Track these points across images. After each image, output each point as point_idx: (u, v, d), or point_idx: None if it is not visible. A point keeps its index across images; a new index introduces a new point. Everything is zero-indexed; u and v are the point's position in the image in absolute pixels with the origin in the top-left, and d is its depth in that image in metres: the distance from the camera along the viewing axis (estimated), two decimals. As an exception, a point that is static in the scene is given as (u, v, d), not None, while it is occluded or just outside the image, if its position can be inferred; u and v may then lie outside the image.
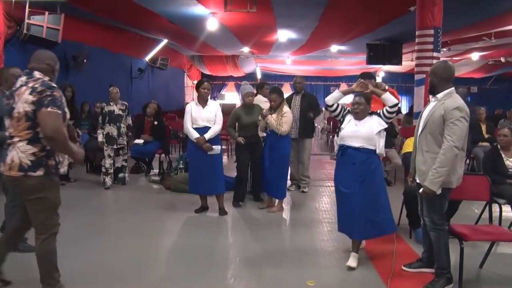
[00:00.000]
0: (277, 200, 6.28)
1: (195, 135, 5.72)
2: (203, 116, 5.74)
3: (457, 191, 3.96)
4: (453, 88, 3.71)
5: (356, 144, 4.21)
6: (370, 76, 5.52)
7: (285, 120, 5.89)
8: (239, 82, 23.54)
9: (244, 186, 6.57)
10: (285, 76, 22.08)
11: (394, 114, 4.34)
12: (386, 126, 4.26)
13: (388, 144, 6.85)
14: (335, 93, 4.49)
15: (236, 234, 5.33)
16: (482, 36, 11.71)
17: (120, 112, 7.45)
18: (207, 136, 5.71)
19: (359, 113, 4.28)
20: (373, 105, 4.57)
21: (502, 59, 16.28)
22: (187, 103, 6.37)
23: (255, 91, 6.54)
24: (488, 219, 4.33)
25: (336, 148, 4.49)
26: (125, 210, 6.34)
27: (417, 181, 3.84)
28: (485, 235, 3.88)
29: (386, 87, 5.26)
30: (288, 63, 18.96)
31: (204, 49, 16.14)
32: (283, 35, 12.50)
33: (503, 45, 13.27)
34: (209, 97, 5.85)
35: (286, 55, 17.42)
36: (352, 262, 4.24)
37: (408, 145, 5.51)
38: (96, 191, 7.24)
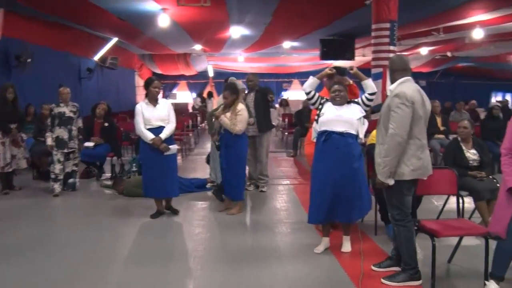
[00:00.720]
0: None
1: (149, 136, 5.45)
2: (156, 116, 5.51)
3: (424, 185, 3.93)
4: (407, 77, 3.65)
5: (340, 128, 4.24)
6: (343, 70, 5.37)
7: (239, 118, 5.68)
8: (191, 81, 23.19)
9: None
10: (237, 74, 21.86)
11: (373, 102, 4.40)
12: (365, 113, 4.35)
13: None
14: (310, 80, 4.58)
15: (195, 239, 5.02)
16: (432, 31, 11.90)
17: (71, 114, 6.97)
18: (163, 136, 5.48)
19: (340, 99, 4.35)
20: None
21: (449, 54, 16.75)
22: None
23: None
24: (457, 213, 4.25)
25: (314, 135, 4.45)
26: (74, 218, 5.89)
27: None
28: (455, 230, 3.81)
29: (351, 82, 5.16)
30: (240, 61, 18.80)
31: (155, 48, 15.70)
32: (236, 31, 12.28)
33: (450, 40, 13.59)
34: (159, 95, 5.65)
35: (238, 53, 17.23)
36: (319, 247, 4.48)
37: (374, 137, 5.39)
38: (43, 199, 6.72)
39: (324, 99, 4.50)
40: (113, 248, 4.76)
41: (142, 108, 5.50)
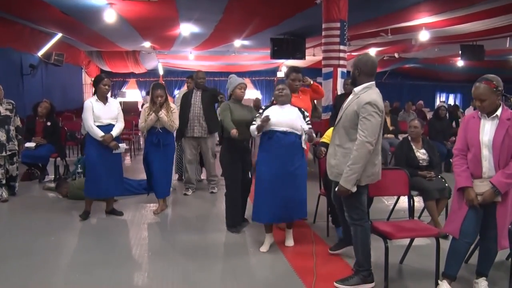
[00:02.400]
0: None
1: (100, 133, 5.32)
2: (107, 113, 5.43)
3: (377, 187, 3.93)
4: (372, 82, 3.59)
5: (283, 128, 4.35)
6: (299, 69, 5.27)
7: (175, 116, 5.84)
8: (140, 79, 22.67)
9: (238, 205, 5.11)
10: (187, 72, 21.55)
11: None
12: (306, 128, 4.38)
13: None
14: (253, 129, 4.53)
15: (142, 243, 4.79)
16: (380, 32, 12.05)
17: (8, 113, 6.41)
18: (114, 133, 5.42)
19: (284, 97, 4.46)
20: (301, 96, 5.01)
21: (396, 55, 17.08)
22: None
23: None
24: (408, 214, 4.23)
25: (255, 134, 4.48)
26: (14, 225, 5.48)
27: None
28: (408, 232, 3.79)
29: (311, 82, 5.12)
30: (191, 59, 18.49)
31: (102, 44, 15.15)
32: (186, 29, 12.01)
33: (398, 41, 13.85)
34: (108, 94, 5.54)
35: (188, 50, 16.94)
36: (264, 246, 4.53)
37: (327, 136, 5.33)
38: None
39: (265, 108, 4.60)
40: (56, 255, 4.43)
41: (93, 104, 5.38)
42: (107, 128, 5.41)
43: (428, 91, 25.16)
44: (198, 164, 7.31)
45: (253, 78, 24.62)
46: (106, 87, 5.42)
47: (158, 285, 3.77)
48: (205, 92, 6.80)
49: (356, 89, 3.60)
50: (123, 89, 22.46)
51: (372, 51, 16.11)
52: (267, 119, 4.34)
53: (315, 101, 6.54)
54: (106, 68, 19.50)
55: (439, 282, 3.57)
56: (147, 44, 14.97)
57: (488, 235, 3.44)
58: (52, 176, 7.88)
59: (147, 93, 20.85)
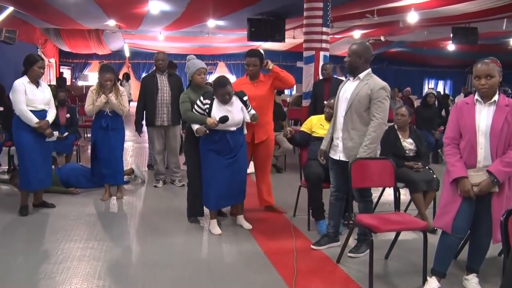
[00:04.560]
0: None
1: (34, 118, 5.21)
2: (41, 98, 5.32)
3: (361, 178, 4.06)
4: (369, 69, 4.15)
5: (232, 128, 4.75)
6: (259, 53, 5.29)
7: (124, 99, 5.97)
8: (104, 61, 22.35)
9: (199, 195, 5.10)
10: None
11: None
12: (247, 118, 4.83)
13: (277, 127, 6.73)
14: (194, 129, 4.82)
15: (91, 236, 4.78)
16: (366, 13, 12.13)
17: None
18: (50, 119, 5.40)
19: (229, 99, 4.69)
20: (256, 84, 5.27)
21: (382, 38, 17.23)
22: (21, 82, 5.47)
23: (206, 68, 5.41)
24: (394, 206, 4.32)
25: (195, 127, 4.74)
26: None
27: (338, 158, 4.23)
28: (394, 224, 3.85)
29: (271, 67, 5.14)
30: (160, 39, 18.31)
31: (61, 21, 14.89)
32: (155, 6, 11.92)
33: (384, 24, 13.99)
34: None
35: (158, 30, 16.77)
36: (217, 229, 4.90)
37: (306, 125, 5.40)
38: None
39: (208, 102, 4.75)
40: (10, 256, 4.37)
41: (25, 87, 5.20)
42: (41, 113, 5.32)
43: (415, 77, 25.55)
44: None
45: (228, 62, 24.61)
46: (42, 70, 5.28)
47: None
48: (171, 77, 6.72)
49: (361, 75, 4.12)
50: (85, 72, 22.17)
51: (357, 34, 16.24)
52: (215, 125, 4.61)
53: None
54: (66, 48, 19.22)
55: (428, 278, 3.65)
56: (111, 23, 14.77)
57: (480, 229, 3.51)
58: (5, 167, 7.79)
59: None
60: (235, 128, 4.76)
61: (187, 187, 5.38)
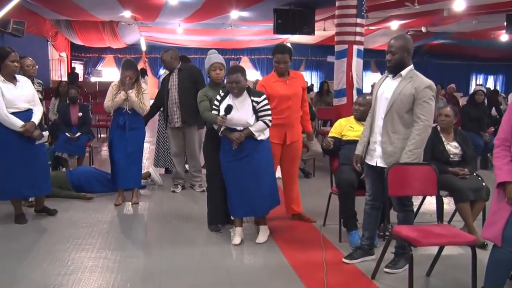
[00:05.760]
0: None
1: (18, 122, 5.10)
2: (22, 96, 5.19)
3: (399, 185, 4.02)
4: (412, 65, 4.09)
5: (239, 128, 4.72)
6: (289, 49, 5.32)
7: (146, 97, 6.02)
8: (119, 55, 22.68)
9: (220, 200, 5.16)
10: (179, 48, 21.56)
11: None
12: (255, 120, 4.75)
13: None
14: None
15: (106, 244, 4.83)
16: (405, 2, 12.02)
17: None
18: (36, 120, 5.30)
19: (239, 90, 4.70)
20: (288, 81, 5.25)
21: (423, 29, 17.06)
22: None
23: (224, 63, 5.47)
24: (437, 217, 4.24)
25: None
26: None
27: (375, 164, 4.18)
28: (437, 238, 3.76)
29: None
30: (179, 32, 18.52)
31: (73, 13, 15.14)
32: (174, -4, 12.05)
33: (426, 13, 13.85)
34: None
35: (177, 23, 16.93)
36: (236, 238, 4.88)
37: (336, 129, 5.36)
38: None
39: (222, 95, 4.81)
40: (16, 266, 4.39)
41: (0, 86, 5.07)
42: (26, 114, 5.20)
43: (461, 73, 25.18)
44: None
45: (252, 57, 24.67)
46: (15, 64, 5.14)
47: None
48: (181, 71, 6.68)
49: (403, 73, 4.05)
50: (99, 67, 22.50)
51: (394, 25, 16.11)
52: (223, 120, 4.66)
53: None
54: (78, 41, 19.51)
55: (480, 298, 3.56)
56: (127, 14, 14.97)
57: None
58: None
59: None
60: (242, 128, 4.72)
61: (206, 192, 5.42)
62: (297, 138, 5.40)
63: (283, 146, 5.30)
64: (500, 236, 3.34)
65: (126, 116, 5.95)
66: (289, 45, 5.64)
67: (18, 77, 5.29)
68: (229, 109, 4.60)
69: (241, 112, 4.68)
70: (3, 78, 5.09)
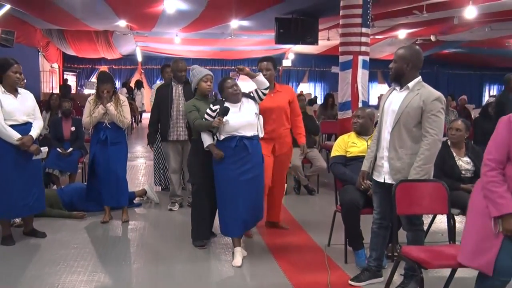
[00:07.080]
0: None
1: (15, 134, 5.13)
2: (21, 109, 5.24)
3: (408, 203, 4.00)
4: (420, 76, 4.10)
5: (249, 133, 4.95)
6: (271, 58, 5.66)
7: (126, 109, 6.10)
8: (114, 67, 22.76)
9: (205, 215, 5.40)
10: (172, 59, 21.63)
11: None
12: (257, 111, 5.07)
13: (309, 143, 6.72)
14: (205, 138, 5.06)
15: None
16: (413, 9, 12.05)
17: None
18: (34, 134, 5.31)
19: (239, 94, 4.99)
20: (272, 94, 5.53)
21: (432, 38, 17.08)
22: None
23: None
24: (448, 237, 4.21)
25: (207, 141, 4.99)
26: None
27: (383, 180, 4.18)
28: (449, 259, 3.70)
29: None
30: (177, 42, 18.56)
31: (65, 22, 15.19)
32: (171, 5, 12.13)
33: (435, 21, 13.89)
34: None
35: (174, 32, 17.00)
36: (239, 260, 4.88)
37: (340, 147, 5.35)
38: None
39: (218, 107, 4.93)
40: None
41: (0, 97, 5.12)
42: (25, 128, 5.24)
43: (473, 83, 25.19)
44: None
45: (253, 67, 24.63)
46: (18, 75, 5.19)
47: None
48: (187, 85, 6.66)
49: (410, 85, 4.05)
50: (92, 79, 22.51)
51: (402, 34, 16.16)
52: (220, 122, 4.79)
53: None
54: (71, 52, 19.56)
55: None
56: (122, 24, 15.03)
57: None
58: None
59: (123, 85, 21.02)
60: (251, 134, 4.95)
61: (191, 208, 5.56)
62: (286, 149, 5.76)
63: (271, 158, 5.59)
64: (491, 266, 3.21)
65: (107, 131, 6.01)
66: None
67: (21, 90, 5.35)
68: (225, 110, 4.78)
69: (242, 114, 4.94)
70: (3, 89, 5.16)
